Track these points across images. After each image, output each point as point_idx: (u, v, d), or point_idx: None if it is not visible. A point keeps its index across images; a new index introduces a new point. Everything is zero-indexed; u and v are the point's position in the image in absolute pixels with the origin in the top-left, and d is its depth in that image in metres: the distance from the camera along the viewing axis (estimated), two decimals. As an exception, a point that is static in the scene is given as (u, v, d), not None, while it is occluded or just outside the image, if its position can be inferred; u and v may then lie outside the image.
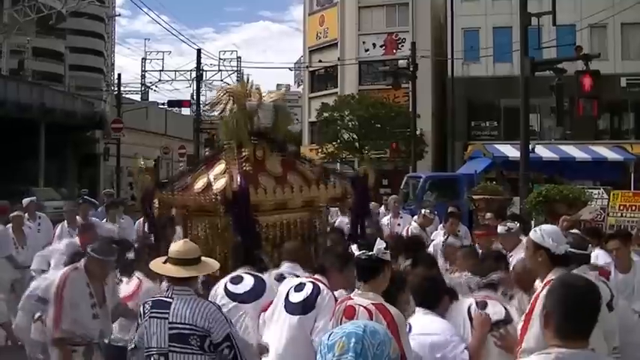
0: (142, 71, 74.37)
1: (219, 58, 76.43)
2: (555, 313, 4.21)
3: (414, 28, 58.44)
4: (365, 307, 6.49)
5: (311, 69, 68.52)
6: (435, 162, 54.62)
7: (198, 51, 63.42)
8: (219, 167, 10.84)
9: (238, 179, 10.02)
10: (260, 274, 8.30)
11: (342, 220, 9.20)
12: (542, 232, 6.77)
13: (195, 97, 62.97)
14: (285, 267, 8.83)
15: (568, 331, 4.15)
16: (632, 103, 54.24)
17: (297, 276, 8.45)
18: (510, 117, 42.89)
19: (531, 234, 6.88)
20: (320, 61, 66.06)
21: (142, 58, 75.95)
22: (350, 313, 6.59)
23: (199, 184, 10.70)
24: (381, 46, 61.09)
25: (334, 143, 53.18)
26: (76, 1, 69.10)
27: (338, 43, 64.21)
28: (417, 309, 7.23)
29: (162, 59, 78.73)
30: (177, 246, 7.23)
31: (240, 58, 79.77)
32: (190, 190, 10.74)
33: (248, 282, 8.24)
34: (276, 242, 10.17)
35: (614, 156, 41.61)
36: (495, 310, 7.12)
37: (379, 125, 50.20)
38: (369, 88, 59.12)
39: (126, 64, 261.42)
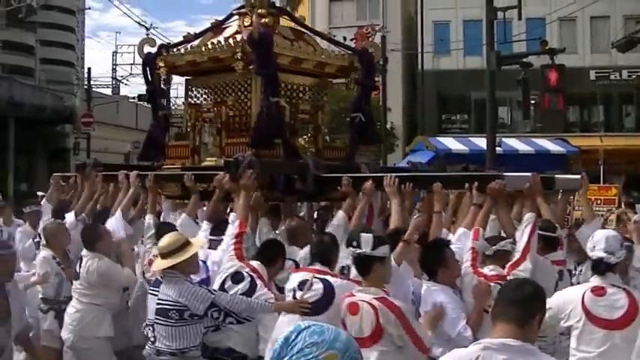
0: (113, 65, 74.19)
1: (191, 52, 76.46)
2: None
3: (384, 22, 58.42)
4: (368, 303, 6.68)
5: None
6: (405, 155, 54.73)
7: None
8: (231, 29, 11.15)
9: (256, 25, 10.05)
10: (331, 280, 7.70)
11: (339, 225, 9.11)
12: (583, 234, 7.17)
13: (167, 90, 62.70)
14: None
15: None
16: (602, 95, 54.50)
17: (295, 261, 8.86)
18: (481, 110, 42.98)
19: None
20: (291, 54, 65.92)
21: (113, 52, 75.78)
22: (353, 310, 6.81)
23: (205, 44, 10.92)
24: (351, 40, 61.00)
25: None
26: (46, -6, 68.74)
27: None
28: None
29: (134, 53, 78.52)
30: (162, 242, 8.03)
31: (210, 51, 79.71)
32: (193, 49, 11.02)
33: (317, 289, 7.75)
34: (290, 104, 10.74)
35: (557, 149, 41.81)
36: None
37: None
38: (339, 81, 58.54)
39: (97, 58, 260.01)
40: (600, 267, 6.92)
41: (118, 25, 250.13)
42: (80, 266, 9.63)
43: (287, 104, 10.76)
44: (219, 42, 10.54)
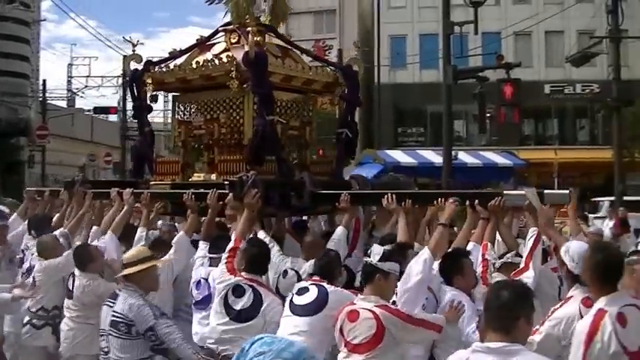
0: (68, 77, 73.61)
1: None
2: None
3: (341, 35, 58.68)
4: (369, 310, 6.90)
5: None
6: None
7: (124, 57, 62.72)
8: (219, 46, 11.26)
9: (251, 45, 10.14)
10: (326, 285, 7.98)
11: (339, 239, 9.32)
12: (567, 250, 6.89)
13: (122, 103, 62.28)
14: (289, 262, 9.17)
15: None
16: (556, 109, 55.17)
17: (297, 273, 8.92)
18: (437, 123, 43.28)
19: (562, 247, 7.11)
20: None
21: (69, 64, 75.18)
22: (353, 317, 7.02)
23: (194, 62, 11.00)
24: (308, 53, 61.11)
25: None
26: (1, 5, 68.12)
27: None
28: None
29: (89, 65, 77.98)
30: (128, 253, 8.44)
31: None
32: (184, 66, 11.06)
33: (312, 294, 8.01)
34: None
35: (505, 161, 42.28)
36: None
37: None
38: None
39: (52, 70, 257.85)
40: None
41: (74, 37, 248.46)
42: (73, 285, 9.57)
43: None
44: (212, 60, 10.65)
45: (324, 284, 7.90)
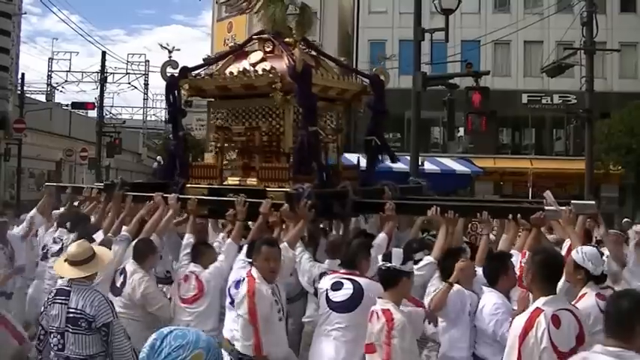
0: (49, 71, 73.25)
1: (127, 61, 75.87)
2: None
3: (321, 39, 58.70)
4: (375, 312, 7.36)
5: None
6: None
7: (103, 53, 62.58)
8: (256, 55, 11.63)
9: (299, 59, 10.55)
10: (359, 280, 8.46)
11: (380, 245, 9.64)
12: (584, 255, 7.72)
13: (99, 99, 62.01)
14: (327, 264, 9.57)
15: None
16: (533, 119, 55.36)
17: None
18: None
19: (573, 254, 7.89)
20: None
21: (49, 58, 74.80)
22: (370, 317, 7.46)
23: (230, 69, 11.55)
24: (288, 56, 60.97)
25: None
26: (-20, -3, 67.71)
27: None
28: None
29: (70, 60, 77.72)
30: (72, 248, 8.36)
31: (148, 61, 79.34)
32: (222, 75, 11.50)
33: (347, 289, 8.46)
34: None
35: (462, 169, 42.47)
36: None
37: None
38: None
39: (33, 64, 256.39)
40: (602, 278, 7.88)
41: (56, 32, 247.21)
42: (123, 281, 9.68)
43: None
44: (254, 70, 11.07)
45: (357, 278, 8.36)
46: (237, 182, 11.38)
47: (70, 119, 68.64)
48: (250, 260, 9.16)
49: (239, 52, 12.11)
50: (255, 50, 11.78)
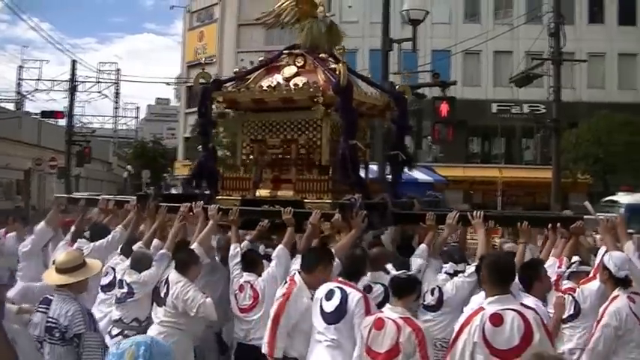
0: (18, 79, 72.84)
1: (98, 70, 75.73)
2: None
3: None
4: (393, 320, 7.36)
5: (188, 84, 68.26)
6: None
7: (73, 62, 62.35)
8: (288, 69, 11.76)
9: (344, 74, 10.69)
10: (348, 288, 8.43)
11: (420, 255, 9.93)
12: (610, 258, 8.49)
13: (68, 108, 61.66)
14: (369, 276, 9.35)
15: None
16: (503, 128, 55.73)
17: (384, 285, 9.13)
18: (385, 138, 43.56)
19: (605, 256, 8.65)
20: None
21: (19, 66, 74.39)
22: (379, 325, 7.48)
23: (264, 83, 11.71)
24: (259, 64, 60.88)
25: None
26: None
27: (216, 60, 64.18)
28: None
29: (40, 68, 77.28)
30: (61, 257, 8.58)
31: (119, 70, 79.25)
32: (257, 88, 11.62)
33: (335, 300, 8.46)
34: None
35: (425, 177, 42.68)
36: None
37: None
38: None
39: (2, 72, 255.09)
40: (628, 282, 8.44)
41: (26, 39, 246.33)
42: (166, 291, 9.56)
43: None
44: (295, 84, 11.23)
45: (346, 287, 8.33)
46: (268, 194, 11.54)
47: (40, 128, 68.28)
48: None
49: (269, 66, 12.22)
50: (288, 64, 11.91)
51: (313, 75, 11.43)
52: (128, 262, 10.18)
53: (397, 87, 13.21)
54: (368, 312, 8.04)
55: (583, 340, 8.80)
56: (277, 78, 11.65)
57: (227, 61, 63.42)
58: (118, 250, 10.91)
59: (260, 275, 9.81)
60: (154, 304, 9.67)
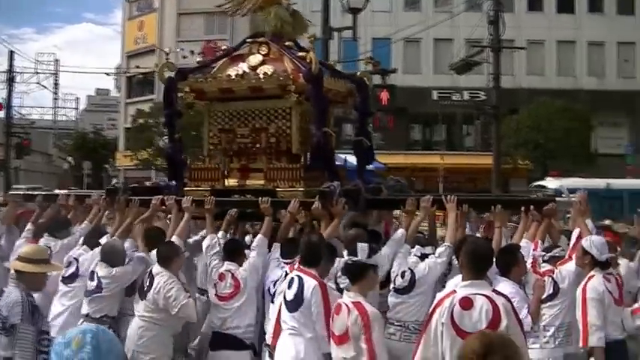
0: (-47, 72, 71.88)
1: (37, 60, 74.89)
2: None
3: (232, 36, 58.63)
4: (346, 305, 7.37)
5: (128, 75, 67.77)
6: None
7: (11, 53, 61.65)
8: (255, 58, 11.64)
9: (315, 62, 10.81)
10: (305, 276, 8.43)
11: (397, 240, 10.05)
12: (591, 242, 8.93)
13: (6, 99, 60.94)
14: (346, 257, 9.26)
15: None
16: (443, 115, 56.02)
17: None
18: (336, 126, 43.74)
19: (583, 241, 9.05)
20: (137, 67, 65.35)
21: (-48, 61, 73.46)
22: (337, 310, 7.53)
23: (230, 72, 11.54)
24: (199, 54, 60.32)
25: (148, 150, 52.44)
26: None
27: (156, 50, 63.77)
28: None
29: (-24, 61, 76.35)
30: (27, 248, 8.71)
31: (58, 60, 78.38)
32: (225, 77, 11.49)
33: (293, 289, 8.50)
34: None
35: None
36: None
37: (195, 133, 49.66)
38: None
39: None
40: (608, 264, 9.10)
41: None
42: (149, 284, 9.45)
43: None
44: (265, 73, 11.15)
45: (304, 275, 8.35)
46: (237, 184, 11.51)
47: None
48: (287, 261, 9.37)
49: (232, 55, 12.16)
50: (252, 53, 11.82)
51: (280, 63, 11.40)
52: (94, 253, 10.14)
53: (358, 73, 13.21)
54: (325, 300, 8.11)
55: (558, 317, 9.13)
56: (243, 67, 11.55)
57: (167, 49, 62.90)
58: (81, 241, 10.76)
59: (241, 265, 9.73)
60: (137, 297, 9.61)
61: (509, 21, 37.72)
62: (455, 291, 6.77)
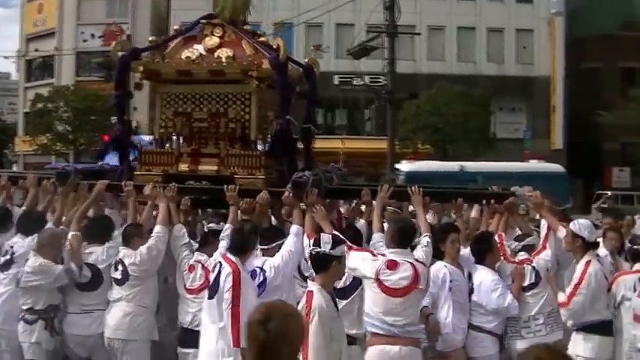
0: None
1: None
2: None
3: (133, 20, 58.10)
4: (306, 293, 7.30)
5: (28, 58, 66.63)
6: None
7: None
8: (210, 40, 11.33)
9: (283, 49, 10.76)
10: (225, 263, 8.26)
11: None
12: (580, 226, 9.22)
13: None
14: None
15: None
16: (344, 100, 56.44)
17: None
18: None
19: (571, 225, 9.32)
20: (37, 50, 64.39)
21: None
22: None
23: (185, 53, 11.22)
24: (100, 37, 59.95)
25: (48, 135, 51.89)
26: None
27: (56, 33, 62.87)
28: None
29: None
30: None
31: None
32: (184, 59, 11.17)
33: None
34: None
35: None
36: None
37: (94, 117, 49.52)
38: (87, 79, 57.62)
39: None
40: (597, 245, 9.65)
41: None
42: (123, 271, 9.37)
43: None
44: (227, 57, 10.88)
45: (225, 262, 8.17)
46: (187, 168, 11.11)
47: None
48: (263, 247, 9.12)
49: (186, 35, 11.87)
50: (206, 35, 11.51)
51: (239, 47, 11.15)
52: (29, 241, 9.91)
53: (307, 60, 12.94)
54: (236, 287, 7.88)
55: (545, 306, 9.42)
56: (199, 48, 11.25)
57: (67, 33, 62.03)
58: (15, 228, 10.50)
59: (211, 255, 9.30)
60: (112, 284, 9.52)
61: (411, 7, 38.25)
62: (385, 255, 8.30)
